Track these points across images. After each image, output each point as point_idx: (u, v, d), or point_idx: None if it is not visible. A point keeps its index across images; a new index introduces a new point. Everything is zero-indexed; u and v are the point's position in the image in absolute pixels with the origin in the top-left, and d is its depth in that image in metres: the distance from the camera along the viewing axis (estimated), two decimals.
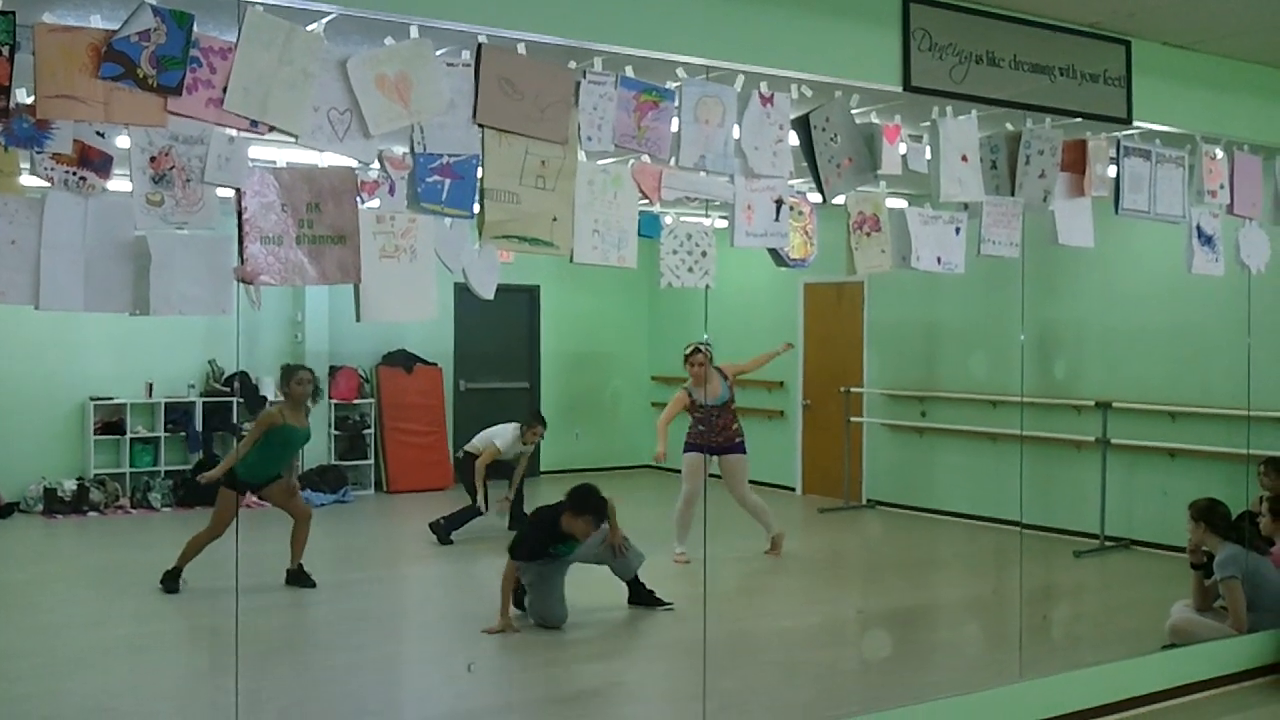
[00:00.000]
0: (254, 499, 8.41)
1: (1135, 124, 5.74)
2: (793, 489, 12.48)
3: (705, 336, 5.83)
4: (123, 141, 3.49)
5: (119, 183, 3.50)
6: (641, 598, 7.36)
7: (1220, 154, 6.15)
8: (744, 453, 9.03)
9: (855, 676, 6.45)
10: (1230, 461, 8.34)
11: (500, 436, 9.78)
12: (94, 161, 3.44)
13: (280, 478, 7.99)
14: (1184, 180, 6.02)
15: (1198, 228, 6.13)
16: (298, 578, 7.93)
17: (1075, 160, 5.62)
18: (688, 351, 8.73)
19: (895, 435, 11.63)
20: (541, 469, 12.69)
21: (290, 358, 12.15)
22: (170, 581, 7.66)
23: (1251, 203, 6.33)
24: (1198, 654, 6.12)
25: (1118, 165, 5.78)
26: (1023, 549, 7.17)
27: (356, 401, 12.42)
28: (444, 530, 9.55)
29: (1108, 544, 9.38)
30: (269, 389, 11.92)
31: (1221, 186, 6.16)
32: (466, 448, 9.93)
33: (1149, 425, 9.41)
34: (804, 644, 6.97)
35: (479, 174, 4.03)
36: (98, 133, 3.44)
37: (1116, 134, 5.80)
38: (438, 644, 7.02)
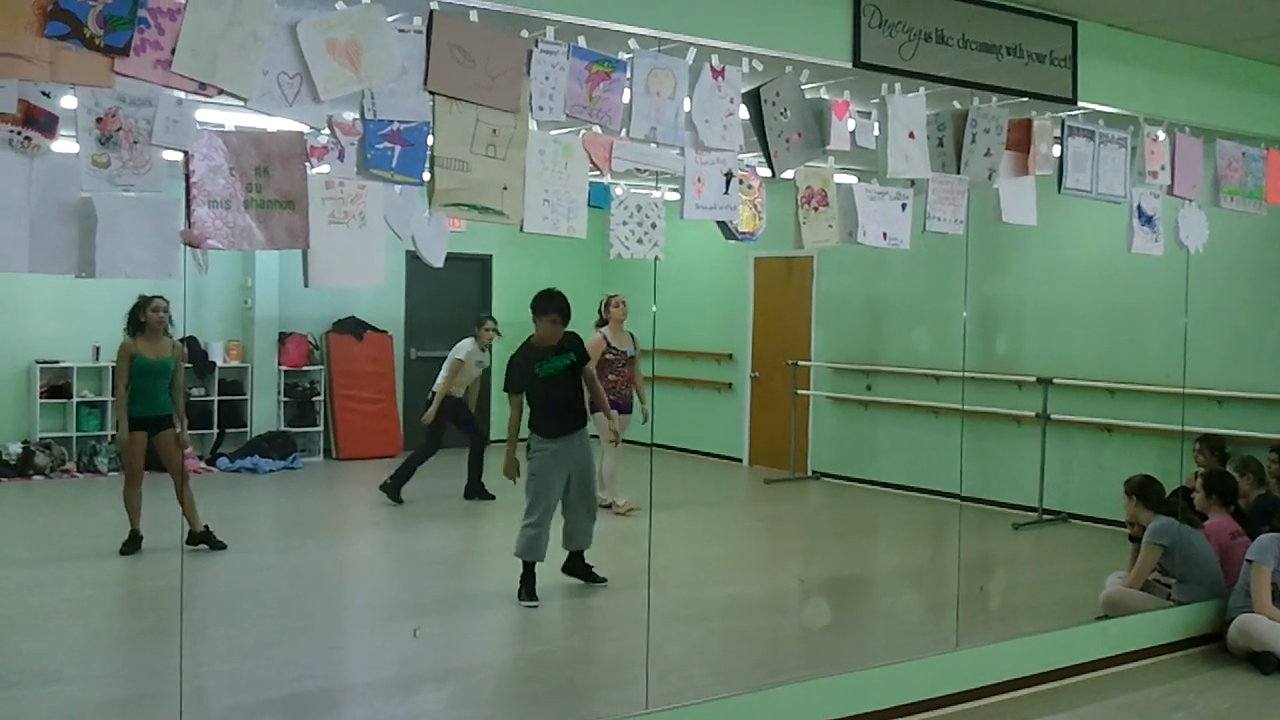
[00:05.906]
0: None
1: (1080, 104, 5.82)
2: (740, 460, 12.57)
3: (653, 309, 5.86)
4: (69, 102, 3.46)
5: (65, 143, 3.47)
6: (578, 570, 7.32)
7: (1162, 135, 6.26)
8: (629, 413, 9.28)
9: (796, 644, 6.56)
10: (1166, 437, 8.50)
11: (458, 351, 9.73)
12: (39, 121, 3.41)
13: (169, 420, 7.82)
14: (1126, 161, 6.12)
15: (1138, 208, 6.24)
16: (204, 539, 7.80)
17: (1020, 139, 5.70)
18: (611, 295, 9.07)
19: (841, 408, 11.74)
20: (492, 437, 12.67)
21: (240, 323, 12.11)
22: (130, 545, 7.65)
23: (1191, 184, 6.45)
24: (1131, 625, 6.27)
25: (1062, 145, 5.87)
26: (961, 521, 7.30)
27: (306, 368, 12.37)
28: (394, 488, 9.54)
29: (1045, 517, 9.56)
30: (218, 354, 11.87)
31: (1163, 168, 6.27)
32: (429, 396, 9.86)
33: (1088, 401, 9.58)
34: (747, 612, 7.06)
35: (429, 141, 4.04)
36: (43, 92, 3.40)
37: (1061, 114, 5.88)
38: (384, 610, 7.05)
